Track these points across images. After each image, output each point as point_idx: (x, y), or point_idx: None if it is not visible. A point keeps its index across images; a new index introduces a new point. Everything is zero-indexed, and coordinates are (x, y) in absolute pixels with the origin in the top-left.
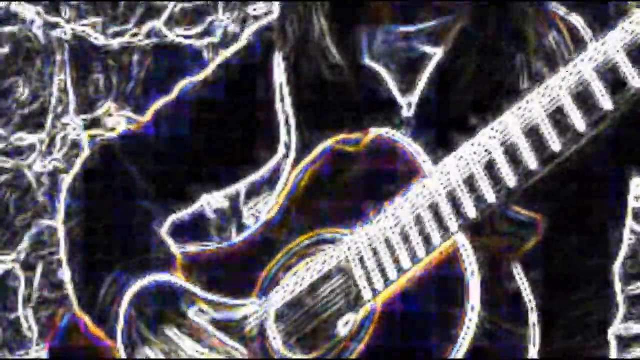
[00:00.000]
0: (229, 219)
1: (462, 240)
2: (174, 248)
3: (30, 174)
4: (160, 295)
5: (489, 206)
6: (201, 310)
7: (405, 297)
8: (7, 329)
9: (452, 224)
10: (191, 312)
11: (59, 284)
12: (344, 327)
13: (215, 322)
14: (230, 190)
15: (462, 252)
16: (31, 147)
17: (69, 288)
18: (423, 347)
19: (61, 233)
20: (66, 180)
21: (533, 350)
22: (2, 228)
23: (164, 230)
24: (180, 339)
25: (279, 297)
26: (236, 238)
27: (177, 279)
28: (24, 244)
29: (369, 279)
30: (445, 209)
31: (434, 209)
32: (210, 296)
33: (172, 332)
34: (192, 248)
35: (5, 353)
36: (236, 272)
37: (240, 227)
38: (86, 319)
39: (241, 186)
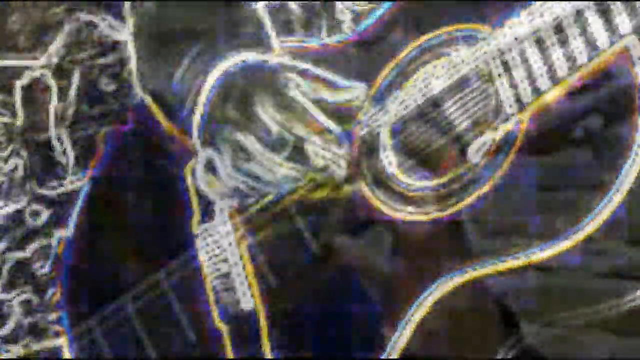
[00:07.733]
0: (317, 13)
1: (635, 44)
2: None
3: None
4: (253, 76)
5: None
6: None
7: (560, 112)
8: (35, 154)
9: (624, 22)
10: (291, 89)
11: (101, 97)
12: (478, 148)
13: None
14: None
15: (635, 58)
16: None
17: (132, 64)
18: (579, 179)
19: None
20: None
21: None
22: (29, 24)
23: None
24: (272, 120)
25: (396, 108)
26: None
27: (274, 56)
28: (57, 44)
29: (513, 88)
30: (615, 3)
31: (600, 3)
32: (321, 72)
33: (263, 111)
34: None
35: (34, 185)
36: (346, 73)
37: (335, 27)
38: (153, 105)
39: None
